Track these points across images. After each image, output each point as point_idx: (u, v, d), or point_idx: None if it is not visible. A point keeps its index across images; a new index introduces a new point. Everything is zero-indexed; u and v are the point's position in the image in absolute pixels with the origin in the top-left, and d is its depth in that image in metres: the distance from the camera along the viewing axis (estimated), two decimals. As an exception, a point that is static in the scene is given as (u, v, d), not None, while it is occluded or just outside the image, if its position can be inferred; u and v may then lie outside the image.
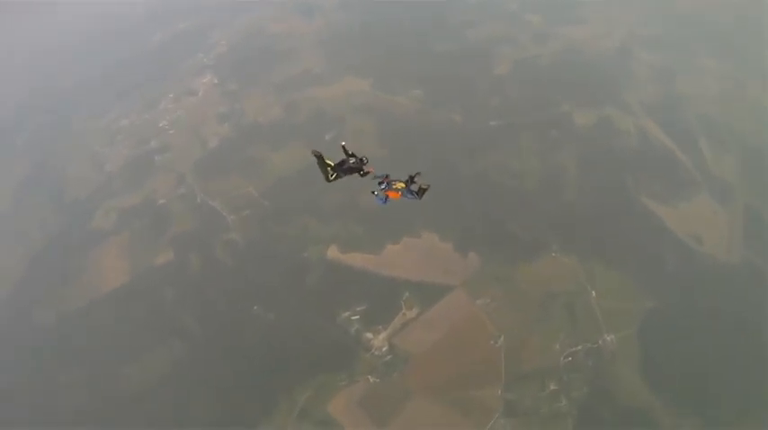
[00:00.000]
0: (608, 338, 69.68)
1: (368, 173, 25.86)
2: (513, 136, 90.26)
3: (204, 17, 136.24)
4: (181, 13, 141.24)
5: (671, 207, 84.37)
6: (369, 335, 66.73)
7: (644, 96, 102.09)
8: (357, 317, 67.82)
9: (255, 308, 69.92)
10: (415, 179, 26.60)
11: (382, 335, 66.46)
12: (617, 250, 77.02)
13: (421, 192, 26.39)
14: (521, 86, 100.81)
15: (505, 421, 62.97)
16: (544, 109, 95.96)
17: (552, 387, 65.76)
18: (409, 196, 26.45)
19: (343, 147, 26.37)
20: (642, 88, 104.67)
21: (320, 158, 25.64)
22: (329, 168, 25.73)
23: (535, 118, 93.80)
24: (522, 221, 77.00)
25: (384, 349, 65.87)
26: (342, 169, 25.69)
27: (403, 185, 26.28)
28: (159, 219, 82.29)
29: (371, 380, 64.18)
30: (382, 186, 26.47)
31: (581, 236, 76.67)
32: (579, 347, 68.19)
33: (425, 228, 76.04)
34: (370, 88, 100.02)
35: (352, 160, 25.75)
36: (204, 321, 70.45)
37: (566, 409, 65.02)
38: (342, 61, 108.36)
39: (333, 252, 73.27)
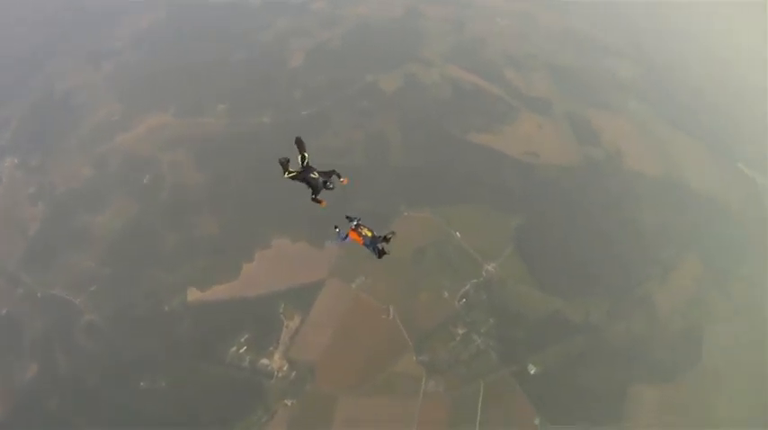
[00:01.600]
0: (490, 268, 71.78)
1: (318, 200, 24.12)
2: (326, 119, 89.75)
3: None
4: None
5: (498, 134, 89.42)
6: (264, 361, 63.51)
7: (442, 48, 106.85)
8: (244, 348, 64.21)
9: (142, 384, 63.92)
10: (388, 238, 25.20)
11: (277, 356, 63.56)
12: (464, 189, 79.94)
13: (381, 254, 25.19)
14: (319, 72, 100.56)
15: (435, 381, 63.72)
16: (349, 85, 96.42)
17: (460, 331, 67.27)
18: (369, 248, 25.32)
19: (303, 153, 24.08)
20: (438, 41, 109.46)
21: (285, 165, 23.76)
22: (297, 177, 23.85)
23: (342, 95, 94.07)
24: (363, 196, 76.34)
25: (285, 368, 63.21)
26: (303, 177, 23.84)
27: (370, 235, 25.19)
28: (8, 332, 73.05)
29: (289, 403, 61.57)
30: (352, 224, 25.66)
31: (424, 189, 78.30)
32: (467, 287, 69.87)
33: (273, 236, 73.51)
34: (173, 118, 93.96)
35: (314, 175, 23.67)
36: (96, 417, 63.59)
37: (483, 346, 67.12)
38: (138, 100, 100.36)
39: (193, 294, 68.43)
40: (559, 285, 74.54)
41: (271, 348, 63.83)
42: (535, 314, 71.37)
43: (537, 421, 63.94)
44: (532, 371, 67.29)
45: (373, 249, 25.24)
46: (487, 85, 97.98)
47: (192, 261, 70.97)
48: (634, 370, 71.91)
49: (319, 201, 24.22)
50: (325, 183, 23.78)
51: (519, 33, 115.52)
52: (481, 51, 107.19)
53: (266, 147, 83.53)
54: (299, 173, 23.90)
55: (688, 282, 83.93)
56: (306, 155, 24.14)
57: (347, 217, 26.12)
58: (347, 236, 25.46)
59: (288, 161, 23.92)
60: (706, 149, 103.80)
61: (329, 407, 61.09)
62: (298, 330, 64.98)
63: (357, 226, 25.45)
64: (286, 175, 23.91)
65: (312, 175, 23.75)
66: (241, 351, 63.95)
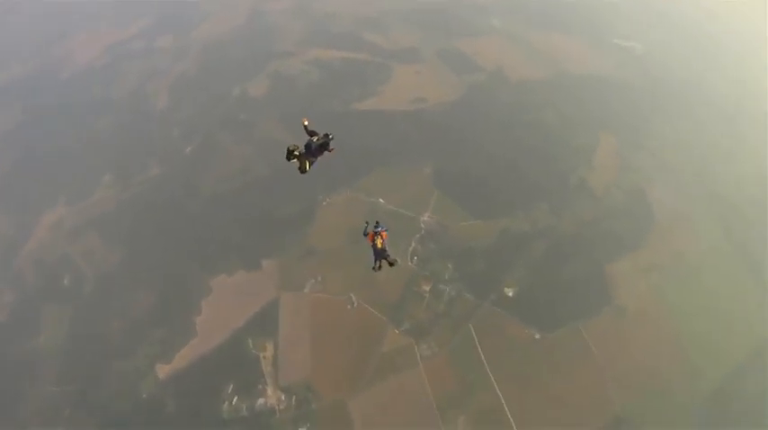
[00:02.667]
0: (425, 218, 73.07)
1: (332, 150, 24.57)
2: (212, 146, 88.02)
3: None
4: None
5: (380, 95, 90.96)
6: (260, 401, 61.56)
7: (296, 36, 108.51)
8: (235, 398, 61.87)
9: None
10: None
11: (270, 390, 61.86)
12: (370, 157, 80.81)
13: (381, 258, 27.01)
14: (188, 103, 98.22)
15: (426, 344, 64.34)
16: (220, 104, 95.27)
17: (426, 288, 68.08)
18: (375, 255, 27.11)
19: (305, 126, 24.42)
20: (290, 32, 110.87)
21: (292, 154, 23.37)
22: (302, 156, 23.54)
23: (217, 116, 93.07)
24: (282, 201, 76.47)
25: (283, 398, 61.47)
26: (311, 152, 23.80)
27: (380, 246, 27.01)
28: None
29: (305, 429, 59.92)
30: (377, 229, 27.49)
31: (333, 172, 76.53)
32: (413, 244, 70.61)
33: (209, 279, 71.18)
34: (67, 208, 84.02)
35: (315, 138, 23.89)
36: None
37: (454, 292, 68.27)
38: (25, 204, 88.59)
39: (162, 370, 64.71)
40: (496, 208, 76.91)
41: (260, 386, 62.08)
42: (486, 241, 73.17)
43: (538, 336, 65.96)
44: (510, 293, 69.01)
45: (378, 256, 26.92)
46: (352, 54, 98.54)
47: (145, 339, 67.66)
48: (601, 251, 75.61)
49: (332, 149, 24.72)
50: (322, 146, 24.24)
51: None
52: (334, 25, 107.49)
53: (166, 197, 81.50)
54: (307, 150, 24.01)
55: (611, 156, 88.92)
56: (309, 129, 24.52)
57: (377, 221, 28.19)
58: (366, 234, 27.52)
59: (296, 148, 23.78)
60: (581, 39, 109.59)
61: (343, 413, 60.22)
62: (276, 357, 63.51)
63: (377, 232, 27.15)
64: (308, 166, 23.92)
65: (316, 141, 24.06)
66: (234, 402, 61.78)
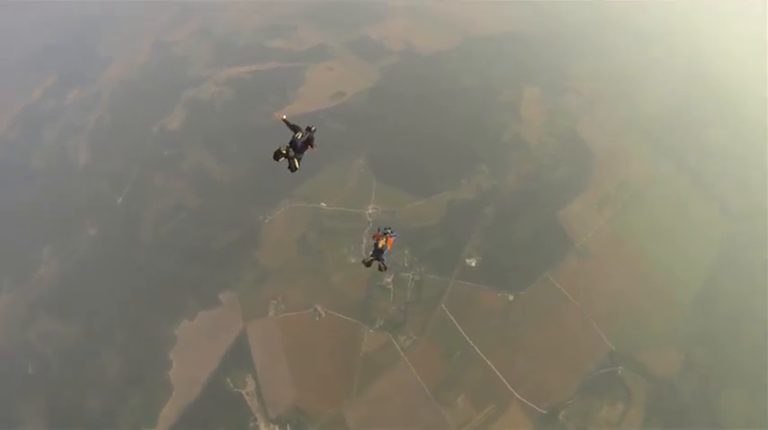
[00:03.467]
0: (370, 211, 72.55)
1: (315, 148, 24.71)
2: (141, 191, 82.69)
3: None
4: None
5: (299, 98, 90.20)
6: (257, 436, 58.92)
7: (202, 61, 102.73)
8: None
9: None
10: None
11: (263, 424, 58.43)
12: (302, 166, 78.01)
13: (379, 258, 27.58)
14: (109, 155, 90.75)
15: (404, 335, 63.13)
16: (142, 148, 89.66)
17: (389, 280, 66.37)
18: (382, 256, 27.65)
19: (285, 120, 24.44)
20: (195, 57, 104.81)
21: (281, 154, 23.61)
22: (289, 155, 23.73)
23: (140, 161, 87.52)
24: (222, 226, 73.67)
25: (278, 428, 58.56)
26: (297, 149, 23.89)
27: (381, 246, 27.56)
28: None
29: None
30: (387, 231, 28.06)
31: (269, 187, 75.14)
32: (364, 240, 68.76)
33: (172, 327, 66.61)
34: (10, 295, 78.99)
35: (299, 134, 23.88)
36: None
37: (417, 276, 67.10)
38: None
39: None
40: (437, 183, 76.30)
41: (251, 424, 58.72)
42: (436, 218, 72.45)
43: (511, 297, 65.83)
44: (473, 263, 68.43)
45: (375, 254, 27.66)
46: (263, 65, 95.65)
47: (125, 408, 62.72)
48: (550, 199, 76.40)
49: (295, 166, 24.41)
50: (307, 142, 24.34)
51: (258, 6, 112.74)
52: (239, 41, 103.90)
53: (109, 255, 76.04)
54: (292, 147, 23.95)
55: (537, 106, 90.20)
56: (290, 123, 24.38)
57: (390, 228, 28.62)
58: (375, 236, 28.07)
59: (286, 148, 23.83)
60: (481, 1, 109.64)
61: (342, 426, 58.12)
62: (259, 389, 60.17)
63: (385, 235, 27.74)
64: (297, 165, 24.17)
65: (300, 138, 24.04)
66: (231, 445, 58.75)
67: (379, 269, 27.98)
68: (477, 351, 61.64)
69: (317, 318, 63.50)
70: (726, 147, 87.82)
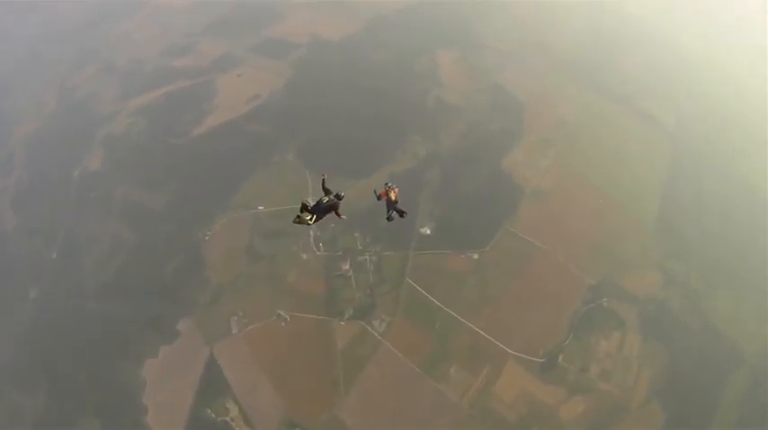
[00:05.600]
0: (312, 202, 67.32)
1: (341, 216, 24.89)
2: (83, 244, 75.70)
3: None
4: None
5: (214, 110, 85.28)
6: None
7: (109, 95, 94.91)
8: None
9: None
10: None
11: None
12: (232, 172, 74.89)
13: (401, 213, 27.42)
14: (33, 206, 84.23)
15: (376, 320, 60.26)
16: (65, 200, 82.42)
17: (347, 267, 63.64)
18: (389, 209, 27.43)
19: (323, 180, 25.09)
20: (104, 92, 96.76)
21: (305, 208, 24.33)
22: (308, 212, 24.24)
23: (61, 207, 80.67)
24: (163, 255, 68.24)
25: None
26: (320, 209, 24.18)
27: (393, 198, 27.15)
28: None
29: None
30: (388, 185, 27.54)
31: (204, 203, 71.06)
32: (311, 233, 65.89)
33: (137, 372, 60.60)
34: None
35: (326, 199, 24.10)
36: None
37: (374, 257, 64.53)
38: None
39: None
40: (372, 161, 73.49)
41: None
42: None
43: (476, 256, 64.00)
44: (428, 231, 66.47)
45: (391, 207, 27.28)
46: (172, 85, 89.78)
47: None
48: (490, 153, 75.47)
49: (341, 216, 24.86)
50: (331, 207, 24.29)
51: (156, 31, 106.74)
52: (144, 67, 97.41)
53: (57, 314, 68.60)
54: (315, 207, 24.23)
55: (456, 66, 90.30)
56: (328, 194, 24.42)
57: (386, 182, 27.94)
58: (379, 197, 27.48)
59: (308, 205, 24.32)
60: None
61: (339, 426, 54.70)
62: (244, 413, 55.52)
63: (389, 188, 27.32)
64: (310, 219, 24.48)
65: (326, 202, 24.13)
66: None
67: (401, 215, 27.51)
68: (457, 316, 59.39)
69: (283, 324, 59.53)
70: (647, 67, 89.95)
